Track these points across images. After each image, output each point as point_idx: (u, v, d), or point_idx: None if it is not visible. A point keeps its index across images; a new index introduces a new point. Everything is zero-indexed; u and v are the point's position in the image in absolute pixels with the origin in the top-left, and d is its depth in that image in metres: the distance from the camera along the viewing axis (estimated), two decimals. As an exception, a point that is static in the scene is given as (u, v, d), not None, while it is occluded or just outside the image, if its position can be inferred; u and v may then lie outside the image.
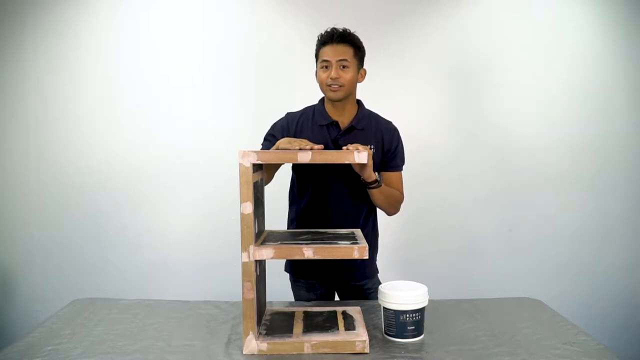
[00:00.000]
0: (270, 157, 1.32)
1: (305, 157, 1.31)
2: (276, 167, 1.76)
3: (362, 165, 1.55)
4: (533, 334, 1.45)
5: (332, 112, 1.77)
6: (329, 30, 1.72)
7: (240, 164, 1.29)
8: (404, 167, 1.83)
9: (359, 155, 1.32)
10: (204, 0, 2.67)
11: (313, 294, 1.86)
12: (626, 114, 2.75)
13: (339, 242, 1.36)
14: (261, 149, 1.77)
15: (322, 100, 1.82)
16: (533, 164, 2.75)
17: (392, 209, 1.80)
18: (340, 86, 1.69)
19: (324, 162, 1.33)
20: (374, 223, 1.88)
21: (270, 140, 1.78)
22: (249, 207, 1.30)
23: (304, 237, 1.46)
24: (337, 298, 1.94)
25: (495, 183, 2.75)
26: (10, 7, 2.62)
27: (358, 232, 1.53)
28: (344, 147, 1.50)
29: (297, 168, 1.83)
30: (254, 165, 1.32)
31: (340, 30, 1.71)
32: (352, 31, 1.73)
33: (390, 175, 1.78)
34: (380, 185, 1.67)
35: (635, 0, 2.69)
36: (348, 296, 1.88)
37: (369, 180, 1.63)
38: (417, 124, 2.69)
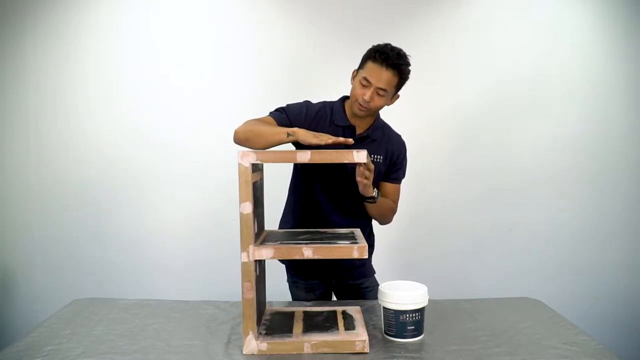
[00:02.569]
0: (269, 157, 1.32)
1: (304, 157, 1.31)
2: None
3: (364, 181, 1.56)
4: (533, 334, 1.46)
5: (351, 117, 1.76)
6: (387, 48, 1.64)
7: (239, 164, 1.29)
8: (403, 180, 1.86)
9: (358, 155, 1.32)
10: (204, 0, 2.66)
11: (312, 294, 1.86)
12: (626, 114, 2.74)
13: (339, 242, 1.36)
14: (269, 114, 1.73)
15: (342, 100, 1.80)
16: (533, 164, 2.74)
17: (385, 220, 1.84)
18: (368, 109, 1.68)
19: (324, 162, 1.33)
20: (370, 224, 1.90)
21: (281, 112, 1.73)
22: (248, 207, 1.30)
23: (304, 237, 1.46)
24: (334, 298, 1.94)
25: (495, 183, 2.75)
26: (10, 7, 2.61)
27: (357, 231, 1.54)
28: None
29: (297, 165, 1.83)
30: (253, 165, 1.32)
31: (396, 55, 1.63)
32: (407, 55, 1.67)
33: (389, 186, 1.80)
34: (375, 202, 1.70)
35: (635, 0, 2.69)
36: (345, 296, 1.88)
37: (367, 196, 1.66)
38: (417, 124, 2.68)
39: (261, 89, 2.66)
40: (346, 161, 1.33)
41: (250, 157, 1.29)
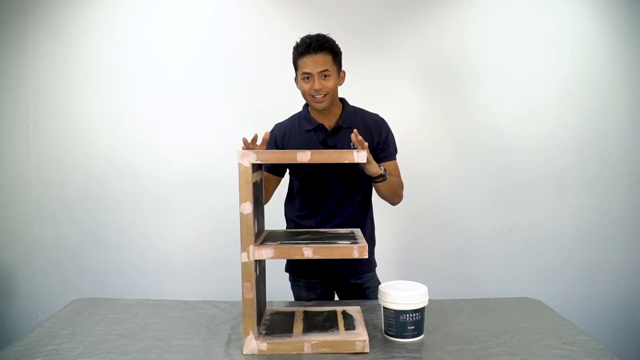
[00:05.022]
0: (269, 157, 1.32)
1: (304, 157, 1.31)
2: (275, 184, 1.83)
3: (365, 163, 1.55)
4: (533, 334, 1.46)
5: (317, 116, 1.79)
6: (305, 39, 1.70)
7: (239, 164, 1.29)
8: (397, 155, 1.85)
9: (358, 154, 1.32)
10: (204, 1, 2.66)
11: (313, 294, 1.86)
12: (626, 114, 2.74)
13: (339, 242, 1.36)
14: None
15: (306, 106, 1.84)
16: (533, 164, 2.74)
17: (397, 197, 1.81)
18: (325, 95, 1.70)
19: (323, 161, 1.34)
20: (371, 217, 1.90)
21: None
22: (248, 207, 1.30)
23: (304, 237, 1.46)
24: (336, 298, 1.94)
25: (496, 183, 2.75)
26: (10, 7, 2.62)
27: (358, 231, 1.54)
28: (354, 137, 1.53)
29: (292, 170, 1.84)
30: (253, 165, 1.32)
31: (316, 38, 1.69)
32: (326, 34, 1.72)
33: (386, 166, 1.79)
34: (386, 179, 1.68)
35: (635, 0, 2.69)
36: (347, 295, 1.88)
37: (375, 175, 1.65)
38: (418, 124, 2.69)
39: (262, 89, 2.66)
40: (346, 161, 1.33)
41: (251, 157, 1.29)
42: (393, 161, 1.81)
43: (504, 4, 2.69)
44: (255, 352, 1.32)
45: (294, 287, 1.91)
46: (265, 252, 1.31)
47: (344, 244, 1.35)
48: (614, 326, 2.73)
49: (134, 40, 2.66)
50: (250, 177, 1.30)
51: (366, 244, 1.34)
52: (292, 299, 1.92)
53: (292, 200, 1.89)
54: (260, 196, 1.49)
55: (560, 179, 2.76)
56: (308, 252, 1.31)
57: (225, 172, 2.46)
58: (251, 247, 1.30)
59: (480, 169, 2.74)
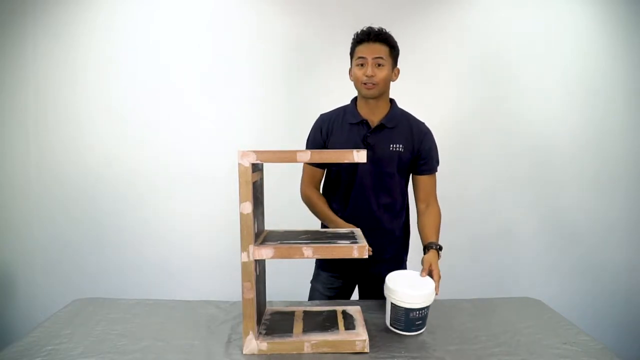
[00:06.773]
0: (269, 157, 1.32)
1: (304, 157, 1.31)
2: (321, 176, 1.87)
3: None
4: (533, 334, 1.46)
5: (363, 111, 1.78)
6: (365, 29, 1.73)
7: (239, 164, 1.29)
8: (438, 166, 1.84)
9: (358, 154, 1.32)
10: (204, 1, 2.66)
11: (330, 292, 1.87)
12: (627, 113, 2.75)
13: (339, 242, 1.37)
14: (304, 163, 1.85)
15: (354, 100, 1.83)
16: (533, 164, 2.74)
17: None
18: (375, 84, 1.70)
19: (323, 161, 1.34)
20: (407, 222, 1.90)
21: (309, 145, 1.86)
22: (248, 207, 1.30)
23: (304, 236, 1.46)
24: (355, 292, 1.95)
25: (495, 183, 2.75)
26: (10, 7, 2.62)
27: (358, 231, 1.54)
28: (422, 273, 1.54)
29: (340, 167, 1.83)
30: (253, 165, 1.32)
31: (376, 29, 1.72)
32: (387, 31, 1.74)
33: (422, 179, 1.79)
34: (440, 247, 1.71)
35: (635, 0, 2.69)
36: (368, 294, 1.88)
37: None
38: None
39: (263, 89, 2.66)
40: (346, 161, 1.33)
41: (250, 157, 1.29)
42: (433, 174, 1.81)
43: (504, 4, 2.69)
44: (255, 352, 1.32)
45: (313, 279, 1.93)
46: (265, 252, 1.31)
47: (343, 243, 1.35)
48: (613, 326, 2.73)
49: (134, 40, 2.65)
50: (250, 177, 1.30)
51: (366, 244, 1.34)
52: (292, 299, 1.91)
53: (325, 195, 1.89)
54: (260, 196, 1.49)
55: (560, 179, 2.76)
56: (308, 251, 1.31)
57: (225, 172, 2.47)
58: (251, 247, 1.30)
59: (480, 169, 2.74)
